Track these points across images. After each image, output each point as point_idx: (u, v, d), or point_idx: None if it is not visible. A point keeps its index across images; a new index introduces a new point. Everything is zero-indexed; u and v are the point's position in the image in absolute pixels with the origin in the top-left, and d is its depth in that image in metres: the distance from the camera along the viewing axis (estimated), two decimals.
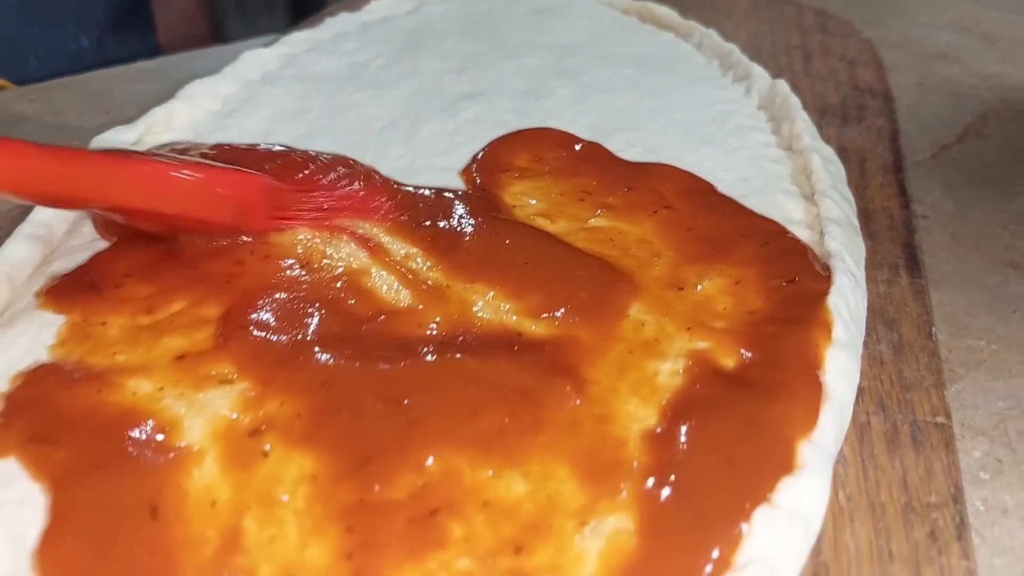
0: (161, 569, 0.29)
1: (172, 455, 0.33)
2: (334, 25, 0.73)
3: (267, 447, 0.33)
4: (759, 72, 0.62)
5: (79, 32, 0.85)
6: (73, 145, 0.59)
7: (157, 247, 0.44)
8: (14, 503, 0.31)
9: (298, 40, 0.70)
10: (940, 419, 0.38)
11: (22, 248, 0.44)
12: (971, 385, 0.41)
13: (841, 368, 0.35)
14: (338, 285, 0.42)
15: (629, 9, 0.77)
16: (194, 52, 0.79)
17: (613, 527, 0.29)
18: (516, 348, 0.37)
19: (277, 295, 0.41)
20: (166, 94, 0.64)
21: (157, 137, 0.55)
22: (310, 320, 0.39)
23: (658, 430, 0.33)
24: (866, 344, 0.40)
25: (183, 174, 0.41)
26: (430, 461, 0.32)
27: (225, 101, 0.60)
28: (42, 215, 0.47)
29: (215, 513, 0.31)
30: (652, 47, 0.70)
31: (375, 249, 0.43)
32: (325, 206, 0.45)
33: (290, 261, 0.43)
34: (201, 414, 0.34)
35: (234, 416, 0.34)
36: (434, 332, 0.39)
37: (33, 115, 0.67)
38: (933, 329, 0.43)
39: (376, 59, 0.68)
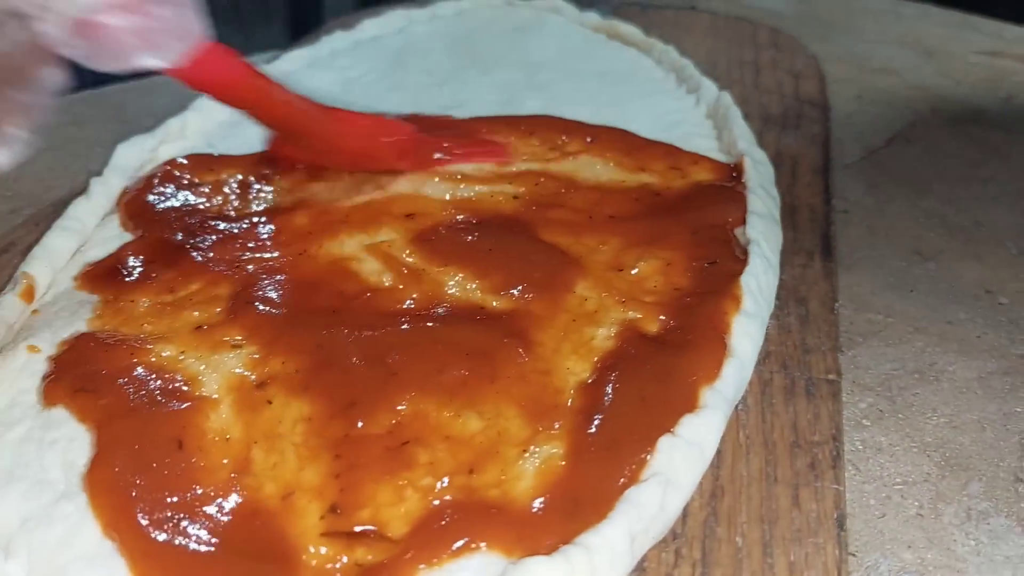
0: (185, 487, 0.36)
1: (193, 402, 0.40)
2: (329, 43, 0.81)
3: (271, 396, 0.40)
4: (708, 84, 0.70)
5: None
6: (96, 152, 0.67)
7: (175, 240, 0.51)
8: (66, 439, 0.39)
9: (297, 57, 0.78)
10: (832, 376, 0.45)
11: (60, 239, 0.52)
12: (866, 351, 0.49)
13: (745, 332, 0.43)
14: (330, 269, 0.49)
15: (598, 28, 0.85)
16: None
17: (548, 453, 0.37)
18: (478, 318, 0.45)
19: (278, 277, 0.48)
20: (177, 106, 0.72)
21: (173, 145, 0.63)
22: (305, 297, 0.47)
23: (589, 380, 0.40)
24: (777, 316, 0.48)
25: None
26: (403, 406, 0.39)
27: (232, 112, 0.68)
28: (76, 210, 0.54)
29: (228, 445, 0.38)
30: (615, 62, 0.78)
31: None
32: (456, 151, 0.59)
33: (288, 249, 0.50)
34: (216, 371, 0.42)
35: (244, 373, 0.42)
36: (411, 306, 0.46)
37: (57, 126, 0.74)
38: (837, 304, 0.50)
39: (367, 75, 0.75)
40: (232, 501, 0.36)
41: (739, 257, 0.49)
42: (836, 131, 0.71)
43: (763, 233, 0.51)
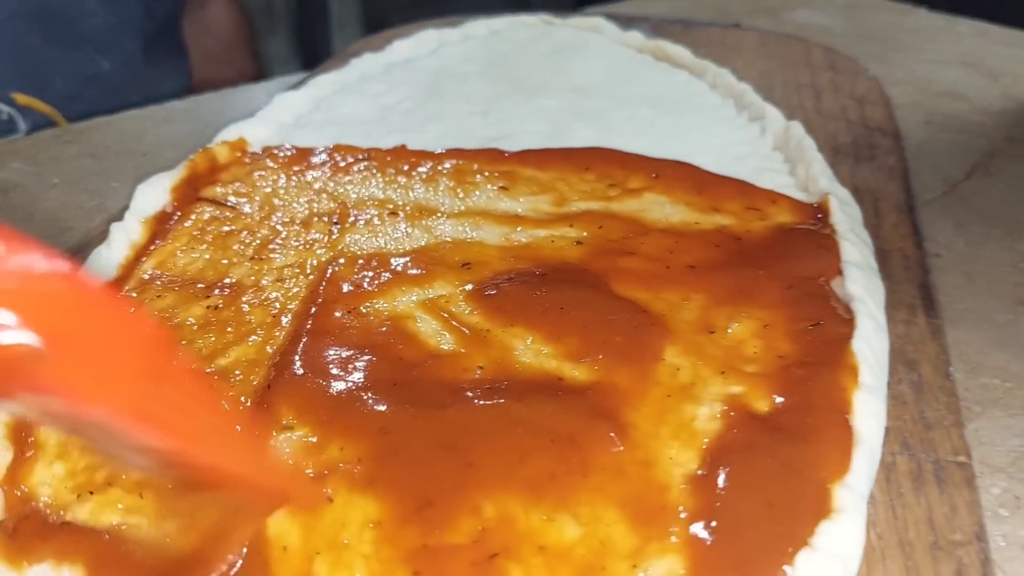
0: None
1: None
2: (359, 67, 0.76)
3: (330, 492, 0.35)
4: (773, 112, 0.65)
5: (97, 56, 0.89)
6: (113, 188, 0.62)
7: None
8: None
9: (326, 83, 0.72)
10: (961, 458, 0.40)
11: None
12: (987, 423, 0.43)
13: (869, 411, 0.37)
14: (384, 330, 0.44)
15: (643, 48, 0.80)
16: (223, 92, 0.81)
17: (665, 570, 0.31)
18: (558, 393, 0.39)
19: (325, 340, 0.43)
20: (198, 135, 0.67)
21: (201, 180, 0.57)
22: (361, 366, 0.41)
23: (699, 473, 0.35)
24: (888, 384, 0.42)
25: None
26: (486, 506, 0.34)
27: (262, 147, 0.63)
28: (96, 260, 0.49)
29: (287, 558, 0.33)
30: (667, 87, 0.73)
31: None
32: None
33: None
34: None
35: (298, 462, 0.36)
36: (479, 376, 0.41)
37: (70, 157, 0.69)
38: (951, 368, 0.45)
39: (403, 102, 0.70)
40: None
41: (843, 317, 0.43)
42: (910, 163, 0.66)
43: (865, 287, 0.45)
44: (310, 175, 0.59)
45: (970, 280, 0.54)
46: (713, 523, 0.33)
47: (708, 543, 0.32)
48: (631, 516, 0.33)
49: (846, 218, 0.51)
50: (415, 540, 0.33)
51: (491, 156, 0.61)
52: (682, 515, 0.33)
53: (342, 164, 0.60)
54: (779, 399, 0.38)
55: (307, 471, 0.36)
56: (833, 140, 0.68)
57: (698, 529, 0.32)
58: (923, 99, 0.78)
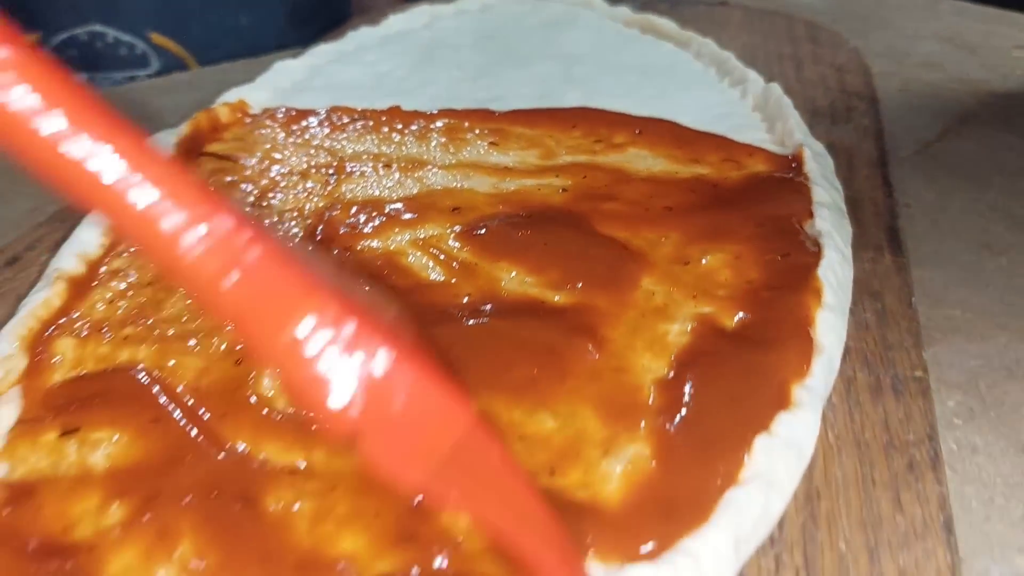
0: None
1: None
2: (355, 38, 0.79)
3: None
4: (754, 76, 0.68)
5: (239, 11, 0.92)
6: None
7: None
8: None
9: (323, 52, 0.75)
10: (918, 373, 0.42)
11: (92, 233, 0.49)
12: (947, 347, 0.46)
13: (830, 325, 0.40)
14: (378, 264, 0.47)
15: (631, 22, 0.83)
16: (224, 65, 0.84)
17: (634, 453, 0.34)
18: (541, 313, 0.42)
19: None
20: (200, 103, 0.69)
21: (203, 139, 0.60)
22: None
23: (669, 375, 0.38)
24: (853, 312, 0.45)
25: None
26: (472, 405, 0.36)
27: (262, 109, 0.65)
28: None
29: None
30: (653, 56, 0.75)
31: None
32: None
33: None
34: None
35: None
36: (467, 301, 0.43)
37: None
38: (913, 300, 0.48)
39: (397, 69, 0.73)
40: None
41: (811, 250, 0.46)
42: (886, 125, 0.69)
43: (833, 225, 0.48)
44: (308, 133, 0.62)
45: (937, 227, 0.56)
46: (678, 415, 0.35)
47: (673, 431, 0.34)
48: (604, 412, 0.36)
49: (819, 167, 0.54)
50: None
51: (482, 115, 0.63)
52: (651, 409, 0.36)
53: (338, 123, 0.63)
54: (745, 316, 0.41)
55: None
56: (812, 104, 0.70)
57: (664, 420, 0.35)
58: (901, 69, 0.80)
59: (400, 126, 0.63)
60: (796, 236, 0.47)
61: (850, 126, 0.67)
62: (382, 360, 0.24)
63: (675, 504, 0.32)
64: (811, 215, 0.49)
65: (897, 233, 0.53)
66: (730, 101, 0.66)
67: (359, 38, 0.79)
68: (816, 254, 0.45)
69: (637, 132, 0.60)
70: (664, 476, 0.33)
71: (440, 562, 0.30)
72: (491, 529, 0.29)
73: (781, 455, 0.33)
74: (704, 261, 0.46)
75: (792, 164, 0.55)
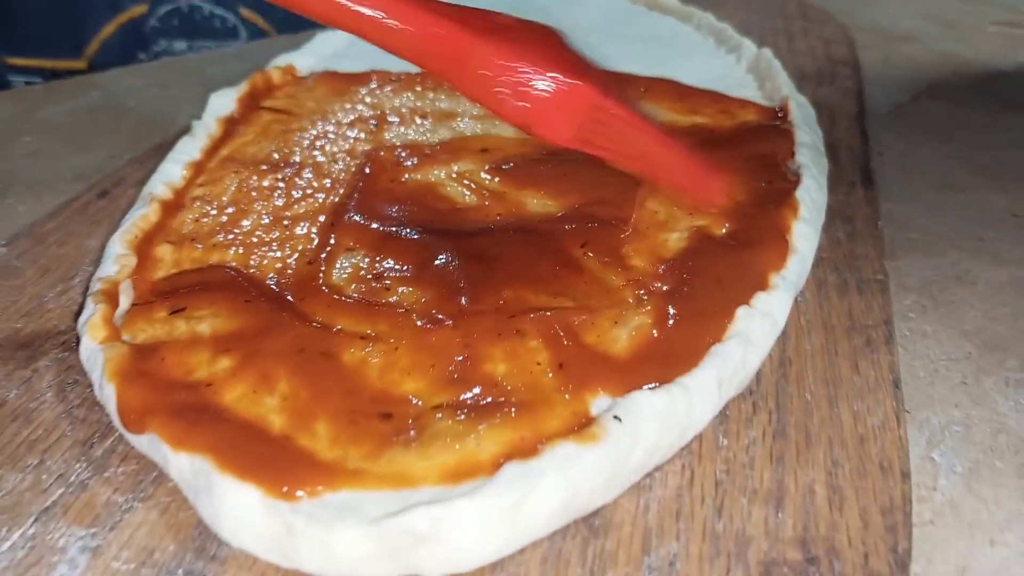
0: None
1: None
2: None
3: (388, 284, 0.46)
4: (747, 44, 0.75)
5: None
6: (182, 109, 0.73)
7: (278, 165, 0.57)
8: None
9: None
10: (880, 276, 0.50)
11: (174, 167, 0.57)
12: (908, 261, 0.54)
13: (803, 233, 0.48)
14: (420, 191, 0.55)
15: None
16: (269, 40, 0.92)
17: (638, 322, 0.42)
18: (561, 226, 0.50)
19: (374, 199, 0.54)
20: (248, 72, 0.77)
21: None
22: (402, 212, 0.52)
23: (666, 267, 0.46)
24: (826, 231, 0.53)
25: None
26: (505, 292, 0.44)
27: (310, 71, 0.73)
28: (184, 145, 0.60)
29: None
30: (657, 28, 0.83)
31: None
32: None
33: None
34: (338, 267, 0.47)
35: (360, 270, 0.47)
36: (498, 219, 0.51)
37: (142, 88, 0.80)
38: (880, 223, 0.56)
39: None
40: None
41: (791, 179, 0.54)
42: (866, 88, 0.76)
43: (812, 160, 0.56)
44: (351, 91, 0.70)
45: (905, 170, 0.64)
46: (674, 295, 0.43)
47: (670, 307, 0.42)
48: (614, 296, 0.44)
49: (802, 115, 0.62)
50: (453, 309, 0.43)
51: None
52: (652, 290, 0.44)
53: (378, 83, 0.71)
54: (733, 226, 0.49)
55: (367, 275, 0.47)
56: (800, 70, 0.78)
57: (663, 299, 0.43)
58: (882, 42, 0.88)
59: (432, 85, 0.71)
60: (779, 169, 0.55)
61: (834, 87, 0.75)
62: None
63: (672, 355, 0.40)
64: (793, 154, 0.57)
65: (870, 172, 0.61)
66: (726, 65, 0.74)
67: None
68: (795, 182, 0.53)
69: (643, 90, 0.67)
70: (663, 337, 0.41)
71: (485, 396, 0.38)
72: (631, 164, 0.47)
73: (758, 321, 0.41)
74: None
75: (779, 114, 0.63)
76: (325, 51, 0.78)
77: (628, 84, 0.69)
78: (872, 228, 0.55)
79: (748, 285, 0.44)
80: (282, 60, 0.74)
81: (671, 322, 0.42)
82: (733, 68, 0.74)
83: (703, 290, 0.43)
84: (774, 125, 0.61)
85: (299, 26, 0.97)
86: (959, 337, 0.47)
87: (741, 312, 0.42)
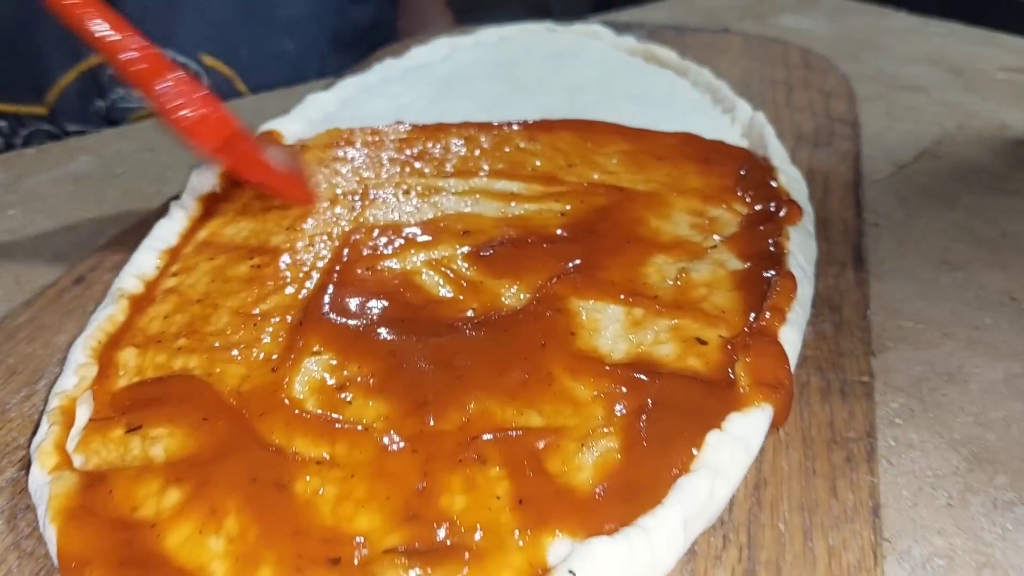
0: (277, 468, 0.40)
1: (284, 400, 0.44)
2: (380, 71, 0.86)
3: (349, 397, 0.44)
4: (742, 105, 0.74)
5: (285, 37, 1.03)
6: (169, 176, 0.72)
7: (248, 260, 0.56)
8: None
9: (351, 84, 0.82)
10: (865, 378, 0.48)
11: (148, 256, 0.56)
12: (897, 355, 0.52)
13: (787, 338, 0.46)
14: (395, 282, 0.54)
15: (635, 51, 0.89)
16: (262, 95, 0.92)
17: (604, 447, 0.40)
18: (534, 323, 0.49)
19: (347, 290, 0.52)
20: None
21: None
22: (375, 308, 0.51)
23: (635, 377, 0.44)
24: (812, 323, 0.51)
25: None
26: (471, 405, 0.43)
27: (296, 138, 0.73)
28: (160, 231, 0.59)
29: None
30: (652, 85, 0.82)
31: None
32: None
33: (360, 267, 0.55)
34: (301, 374, 0.46)
35: (324, 376, 0.46)
36: (471, 316, 0.50)
37: (131, 152, 0.80)
38: (868, 312, 0.54)
39: (418, 101, 0.80)
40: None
41: (776, 272, 0.52)
42: (867, 148, 0.74)
43: (799, 245, 0.54)
44: (337, 161, 0.69)
45: (902, 245, 0.62)
46: (641, 413, 0.41)
47: (638, 429, 0.41)
48: (582, 412, 0.42)
49: (791, 191, 0.60)
50: (415, 428, 0.42)
51: (488, 127, 0.71)
52: (619, 412, 0.42)
53: (363, 152, 0.70)
54: (718, 333, 0.47)
55: (331, 383, 0.45)
56: (797, 129, 0.76)
57: (632, 420, 0.41)
58: (887, 93, 0.86)
59: (419, 149, 0.70)
60: (765, 256, 0.53)
61: (831, 149, 0.73)
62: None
63: (635, 490, 0.38)
64: (780, 235, 0.55)
65: (861, 251, 0.59)
66: (720, 128, 0.72)
67: (384, 70, 0.86)
68: (781, 278, 0.51)
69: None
70: (628, 466, 0.39)
71: (440, 536, 0.37)
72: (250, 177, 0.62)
73: (729, 449, 0.40)
74: (678, 283, 0.52)
75: (770, 183, 0.61)
76: (314, 115, 0.77)
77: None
78: (860, 318, 0.53)
79: (722, 402, 0.42)
80: (268, 126, 0.73)
81: (637, 447, 0.40)
82: (727, 131, 0.72)
83: (672, 410, 0.42)
84: (766, 210, 0.59)
85: (265, 71, 0.97)
86: (947, 448, 0.45)
87: (712, 438, 0.40)
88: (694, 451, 0.39)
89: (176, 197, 0.63)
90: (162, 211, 0.63)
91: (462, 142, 0.71)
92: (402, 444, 0.41)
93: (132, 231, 0.63)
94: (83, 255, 0.63)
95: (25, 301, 0.57)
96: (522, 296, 0.51)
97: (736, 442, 0.40)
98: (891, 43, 0.99)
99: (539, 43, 0.92)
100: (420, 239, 0.58)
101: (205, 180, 0.65)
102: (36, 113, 0.96)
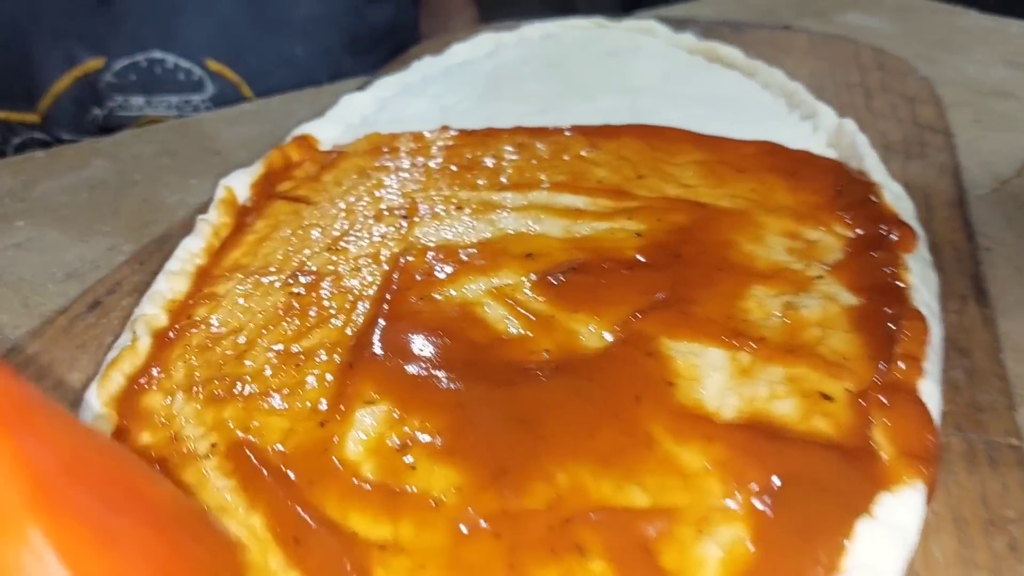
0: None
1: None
2: (420, 69, 0.79)
3: (412, 460, 0.37)
4: (825, 110, 0.66)
5: (294, 42, 0.96)
6: (192, 185, 0.65)
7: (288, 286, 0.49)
8: None
9: (389, 83, 0.75)
10: (1013, 441, 0.41)
11: (171, 282, 0.50)
12: None
13: (928, 392, 0.39)
14: (454, 315, 0.47)
15: (695, 49, 0.82)
16: (289, 95, 0.85)
17: (730, 536, 0.33)
18: (623, 370, 0.42)
19: (402, 324, 0.46)
20: (268, 135, 0.70)
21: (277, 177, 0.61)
22: (435, 347, 0.44)
23: (758, 447, 0.37)
24: (942, 371, 0.44)
25: None
26: (559, 476, 0.36)
27: (333, 144, 0.66)
28: (183, 251, 0.52)
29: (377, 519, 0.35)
30: (720, 87, 0.74)
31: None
32: None
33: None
34: (355, 429, 0.39)
35: (382, 433, 0.39)
36: (546, 358, 0.43)
37: (150, 156, 0.73)
38: (1002, 356, 0.46)
39: (462, 102, 0.73)
40: None
41: (901, 310, 0.45)
42: (961, 160, 0.67)
43: (920, 277, 0.47)
44: (379, 170, 0.62)
45: (1020, 272, 0.55)
46: (776, 495, 0.34)
47: (770, 514, 0.34)
48: (693, 485, 0.35)
49: (899, 212, 0.53)
50: (494, 504, 0.35)
51: (543, 133, 0.64)
52: (742, 489, 0.35)
53: (408, 158, 0.63)
54: (847, 386, 0.40)
55: (390, 442, 0.39)
56: (884, 138, 0.69)
57: (761, 501, 0.34)
58: (972, 98, 0.78)
59: (469, 158, 0.63)
60: (885, 291, 0.46)
61: (925, 161, 0.66)
62: None
63: None
64: (897, 265, 0.48)
65: (981, 281, 0.52)
66: (802, 137, 0.65)
67: (423, 68, 0.79)
68: (908, 316, 0.44)
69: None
70: (764, 564, 0.32)
71: None
72: None
73: (886, 541, 0.33)
74: (785, 321, 0.45)
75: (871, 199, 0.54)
76: (351, 118, 0.70)
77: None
78: (995, 364, 0.46)
79: (869, 481, 0.35)
80: (302, 131, 0.66)
81: (772, 537, 0.33)
82: (811, 140, 0.65)
83: (807, 488, 0.35)
84: (874, 234, 0.52)
85: (273, 76, 0.91)
86: None
87: (863, 529, 0.33)
88: (845, 543, 0.32)
89: (203, 209, 0.56)
90: (186, 225, 0.56)
91: (515, 150, 0.64)
92: (481, 525, 0.34)
93: (153, 248, 0.56)
94: (98, 274, 0.56)
95: (33, 330, 0.50)
96: (603, 335, 0.44)
97: (892, 532, 0.33)
98: (968, 44, 0.91)
99: (590, 40, 0.85)
100: (479, 263, 0.51)
101: (235, 190, 0.58)
102: (28, 121, 0.90)
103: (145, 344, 0.45)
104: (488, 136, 0.66)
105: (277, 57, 0.95)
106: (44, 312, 0.52)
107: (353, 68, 0.95)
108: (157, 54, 0.87)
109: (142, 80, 0.88)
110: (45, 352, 0.48)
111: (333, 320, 0.47)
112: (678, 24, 0.89)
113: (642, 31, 0.86)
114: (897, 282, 0.47)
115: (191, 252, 0.52)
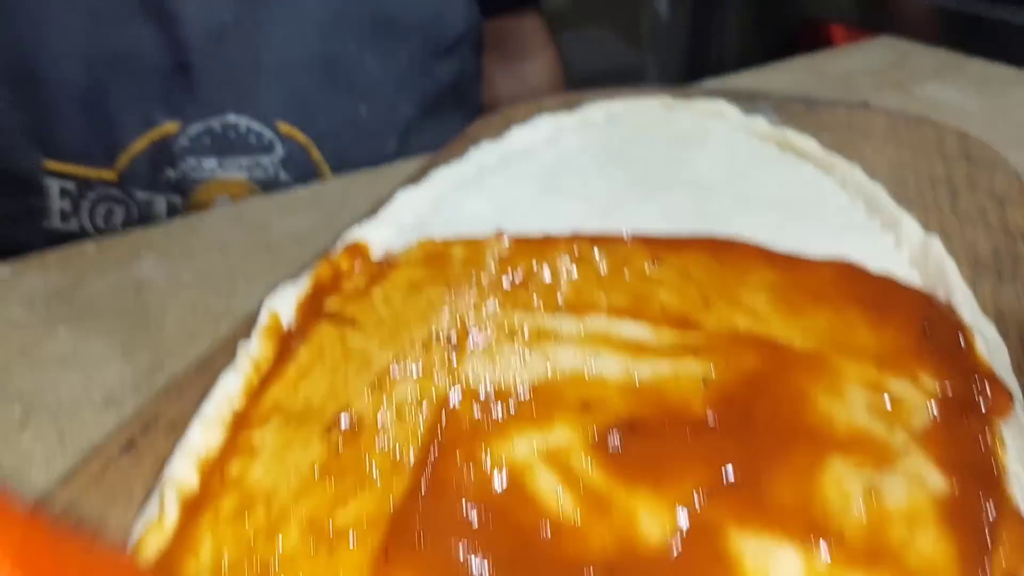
0: None
1: None
2: (477, 158, 0.76)
3: None
4: (909, 223, 0.62)
5: (359, 102, 0.96)
6: (240, 288, 0.63)
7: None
8: None
9: (444, 177, 0.73)
10: None
11: (205, 434, 0.47)
12: None
13: None
14: (502, 488, 0.43)
15: (767, 136, 0.77)
16: (346, 178, 0.83)
17: None
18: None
19: (442, 500, 0.42)
20: (322, 227, 0.68)
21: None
22: (480, 534, 0.40)
23: None
24: None
25: None
26: None
27: (385, 250, 0.63)
28: (220, 391, 0.50)
29: None
30: (793, 186, 0.70)
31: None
32: None
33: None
34: None
35: None
36: (601, 553, 0.39)
37: (201, 251, 0.71)
38: None
39: (520, 200, 0.70)
40: None
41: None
42: None
43: (1018, 453, 0.42)
44: (431, 288, 0.59)
45: None
46: None
47: None
48: None
49: (991, 362, 0.48)
50: None
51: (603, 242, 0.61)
52: None
53: (462, 272, 0.60)
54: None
55: None
56: (972, 250, 0.64)
57: None
58: None
59: (524, 271, 0.60)
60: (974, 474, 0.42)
61: (1019, 283, 0.60)
62: None
63: None
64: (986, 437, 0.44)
65: None
66: (884, 252, 0.60)
67: (480, 157, 0.76)
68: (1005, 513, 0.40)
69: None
70: None
71: None
72: None
73: None
74: (867, 511, 0.41)
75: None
76: (405, 219, 0.67)
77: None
78: None
79: None
80: (354, 236, 0.64)
81: None
82: (892, 256, 0.60)
83: None
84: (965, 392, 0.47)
85: (341, 137, 0.92)
86: None
87: None
88: None
89: (248, 324, 0.54)
90: (230, 347, 0.54)
91: (573, 261, 0.60)
92: None
93: (194, 375, 0.54)
94: (138, 398, 0.54)
95: (65, 476, 0.48)
96: (664, 523, 0.41)
97: None
98: None
99: (656, 125, 0.81)
100: (530, 413, 0.48)
101: (279, 315, 0.56)
102: (105, 178, 0.90)
103: (172, 518, 0.42)
104: (544, 245, 0.63)
105: (344, 118, 0.95)
106: (78, 448, 0.51)
107: (419, 125, 0.93)
108: (231, 118, 0.89)
109: (216, 143, 0.89)
110: (74, 505, 0.46)
111: (372, 486, 0.44)
112: (749, 100, 0.85)
113: (711, 114, 0.82)
114: (992, 459, 0.42)
115: (229, 396, 0.49)
